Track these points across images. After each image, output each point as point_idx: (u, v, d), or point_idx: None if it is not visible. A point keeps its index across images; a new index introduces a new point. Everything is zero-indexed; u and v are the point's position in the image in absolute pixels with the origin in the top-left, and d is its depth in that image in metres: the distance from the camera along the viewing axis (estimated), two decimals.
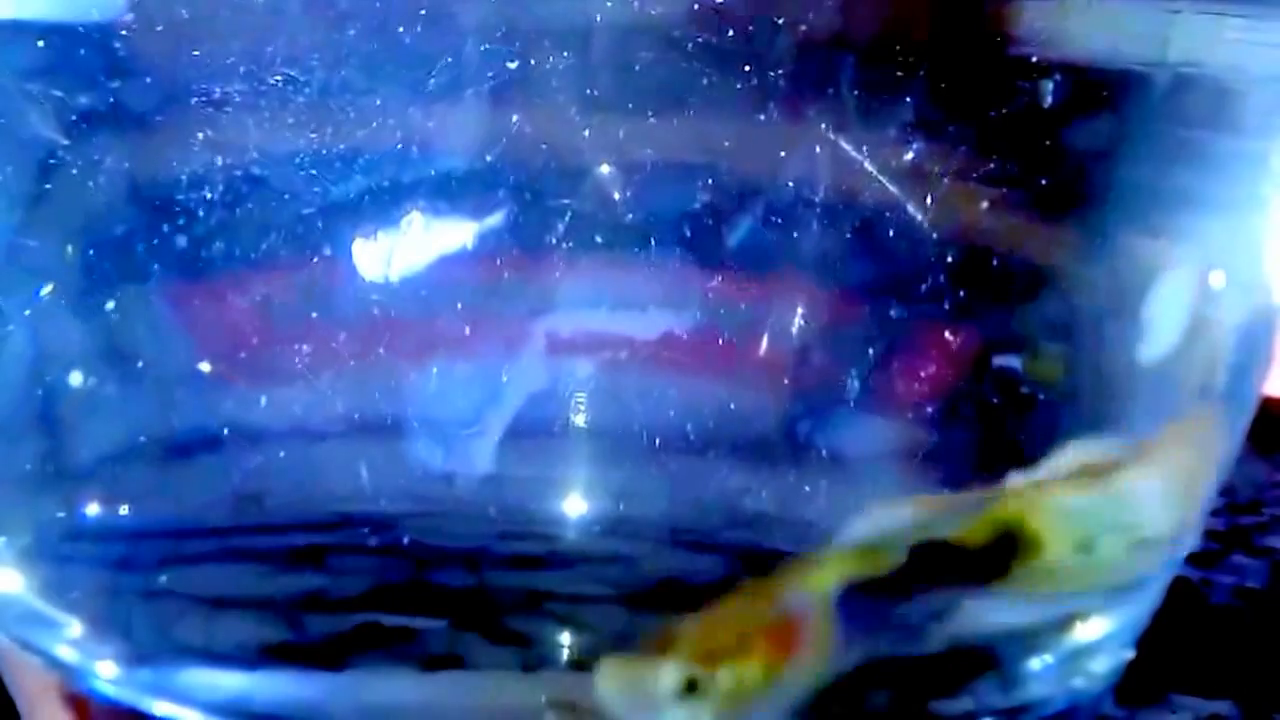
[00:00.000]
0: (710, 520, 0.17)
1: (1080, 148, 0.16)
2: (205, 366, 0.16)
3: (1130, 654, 0.19)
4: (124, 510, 0.17)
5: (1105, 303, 0.17)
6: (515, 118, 0.15)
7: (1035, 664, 0.18)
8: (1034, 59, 0.16)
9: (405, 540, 0.17)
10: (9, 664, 0.18)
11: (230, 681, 0.17)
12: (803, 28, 0.15)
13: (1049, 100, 0.16)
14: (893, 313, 0.16)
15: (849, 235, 0.16)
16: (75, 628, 0.17)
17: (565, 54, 0.15)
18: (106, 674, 0.17)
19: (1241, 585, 0.33)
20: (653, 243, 0.16)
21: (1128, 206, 0.17)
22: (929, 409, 0.17)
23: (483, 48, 0.15)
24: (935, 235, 0.16)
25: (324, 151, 0.15)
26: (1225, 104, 0.17)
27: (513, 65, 0.15)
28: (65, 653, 0.17)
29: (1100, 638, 0.18)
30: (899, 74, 0.15)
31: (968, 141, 0.16)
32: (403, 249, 0.15)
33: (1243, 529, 0.38)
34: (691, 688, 0.14)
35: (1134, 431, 0.18)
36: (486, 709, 0.16)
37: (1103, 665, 0.19)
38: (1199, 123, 0.17)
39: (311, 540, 0.17)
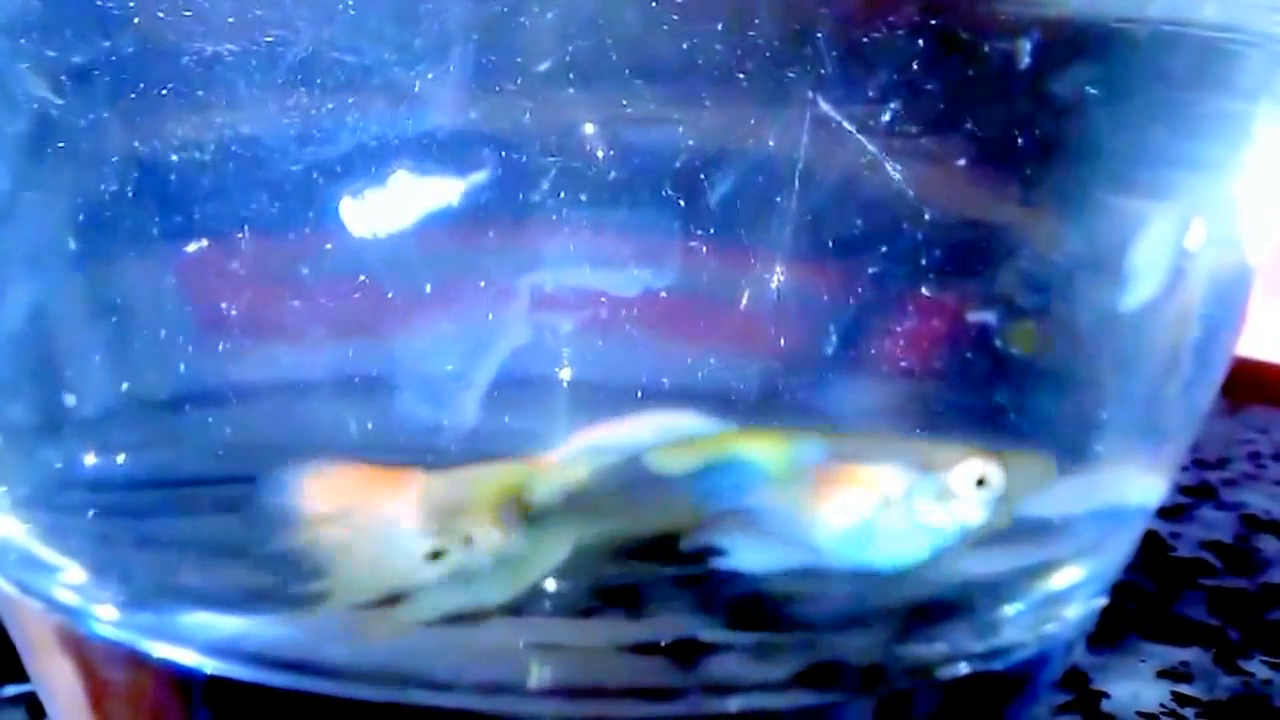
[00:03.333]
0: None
1: (1060, 106, 0.16)
2: (197, 320, 0.16)
3: (1103, 602, 0.19)
4: (120, 460, 0.17)
5: (1083, 260, 0.17)
6: (500, 76, 0.15)
7: (1009, 610, 0.17)
8: (1013, 15, 0.15)
9: None
10: (10, 608, 0.17)
11: (226, 624, 0.16)
12: None
13: (1028, 58, 0.15)
14: (872, 271, 0.16)
15: (829, 195, 0.15)
16: (75, 572, 0.17)
17: (549, 13, 0.15)
18: (106, 617, 0.16)
19: (1209, 538, 0.33)
20: (635, 201, 0.15)
21: (1107, 165, 0.16)
22: (909, 366, 0.16)
23: (468, 5, 0.14)
24: (914, 195, 0.15)
25: (312, 110, 0.15)
26: (1207, 64, 0.16)
27: (498, 24, 0.14)
28: (65, 596, 0.17)
29: (1073, 586, 0.18)
30: (879, 33, 0.15)
31: (947, 100, 0.15)
32: (389, 207, 0.15)
33: (1210, 485, 0.38)
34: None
35: (1109, 386, 0.18)
36: (470, 650, 0.16)
37: (1076, 613, 0.18)
38: (1180, 82, 0.16)
39: None
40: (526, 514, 0.14)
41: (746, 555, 0.14)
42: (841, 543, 0.15)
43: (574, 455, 0.15)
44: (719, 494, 0.14)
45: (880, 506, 0.14)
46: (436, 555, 0.14)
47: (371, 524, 0.15)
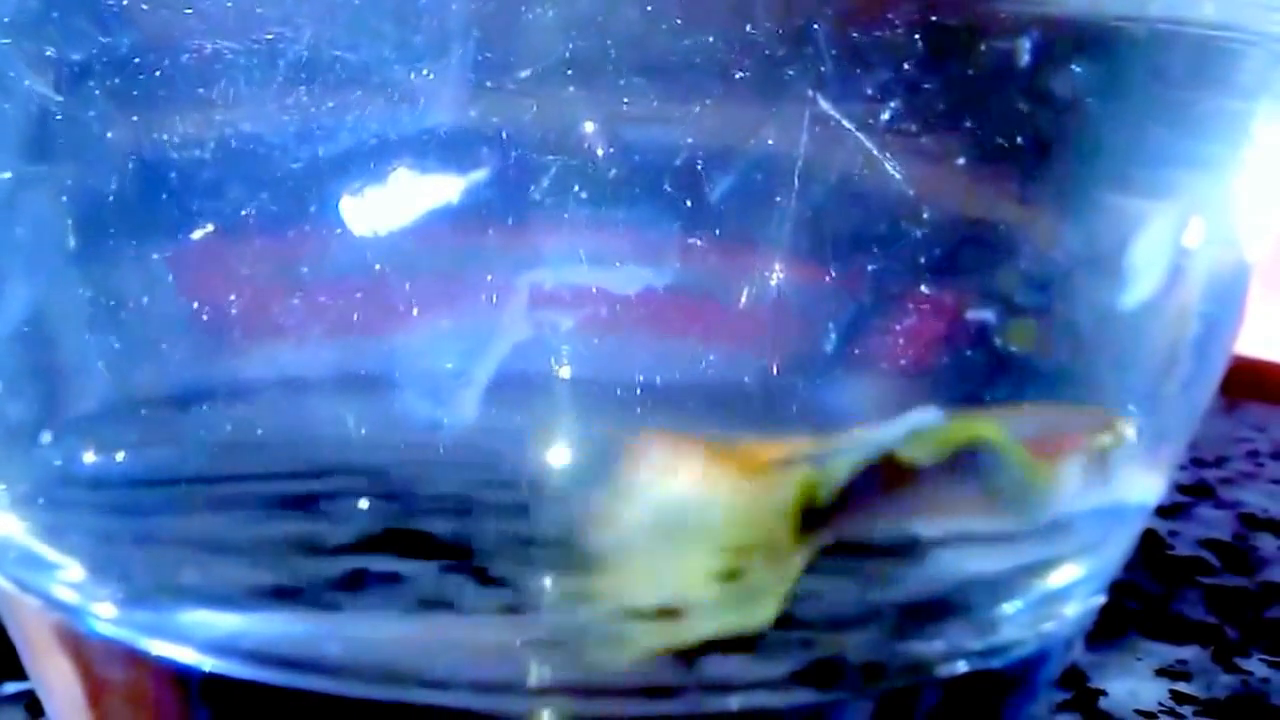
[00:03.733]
0: None
1: (1058, 104, 0.16)
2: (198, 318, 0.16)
3: (1102, 600, 0.19)
4: (120, 458, 0.17)
5: (1082, 259, 0.17)
6: (500, 74, 0.15)
7: (1008, 608, 0.17)
8: (1013, 14, 0.15)
9: (393, 488, 0.16)
10: (8, 605, 0.17)
11: (225, 622, 0.16)
12: None
13: (1027, 56, 0.15)
14: (871, 269, 0.16)
15: (829, 193, 0.15)
16: (74, 570, 0.17)
17: (550, 11, 0.14)
18: (104, 615, 0.16)
19: (1207, 537, 0.33)
20: (635, 199, 0.15)
21: (1106, 164, 0.16)
22: (907, 364, 0.16)
23: (469, 2, 0.14)
24: (914, 194, 0.15)
25: (313, 108, 0.15)
26: (1206, 62, 0.16)
27: (498, 21, 0.14)
28: (64, 594, 0.17)
29: (1072, 584, 0.18)
30: (878, 31, 0.15)
31: (946, 98, 0.15)
32: (389, 204, 0.15)
33: (1208, 483, 0.38)
34: None
35: (1107, 385, 0.18)
36: (468, 648, 0.16)
37: (1074, 611, 0.18)
38: (1179, 81, 0.16)
39: (302, 488, 0.16)
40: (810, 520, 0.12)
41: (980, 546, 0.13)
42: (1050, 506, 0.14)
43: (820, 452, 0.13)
44: (971, 479, 0.13)
45: (1088, 468, 0.14)
46: (731, 575, 0.12)
47: (666, 515, 0.12)
